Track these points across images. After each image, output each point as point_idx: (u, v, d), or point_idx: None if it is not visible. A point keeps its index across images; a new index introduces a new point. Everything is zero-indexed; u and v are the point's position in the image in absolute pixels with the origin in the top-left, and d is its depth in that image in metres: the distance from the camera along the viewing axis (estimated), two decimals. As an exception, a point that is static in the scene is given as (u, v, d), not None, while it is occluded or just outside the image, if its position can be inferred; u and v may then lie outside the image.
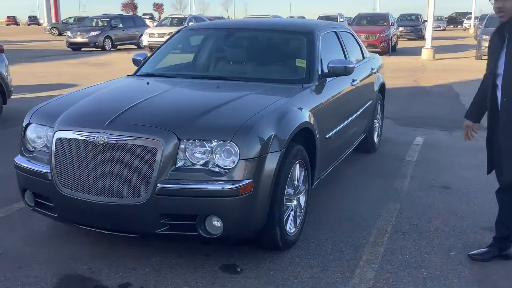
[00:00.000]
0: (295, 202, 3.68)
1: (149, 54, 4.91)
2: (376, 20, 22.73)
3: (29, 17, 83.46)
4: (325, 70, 4.31)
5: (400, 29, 32.49)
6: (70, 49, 25.22)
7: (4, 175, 5.08)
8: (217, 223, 3.12)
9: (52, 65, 18.02)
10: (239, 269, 3.34)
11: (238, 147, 3.06)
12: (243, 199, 3.08)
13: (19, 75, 13.50)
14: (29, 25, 79.41)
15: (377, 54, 6.92)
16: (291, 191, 3.58)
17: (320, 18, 35.81)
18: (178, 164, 3.09)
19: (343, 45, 5.16)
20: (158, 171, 3.04)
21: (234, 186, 3.04)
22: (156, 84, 4.09)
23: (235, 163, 3.07)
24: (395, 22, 25.95)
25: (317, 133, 3.88)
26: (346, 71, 4.26)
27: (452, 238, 3.87)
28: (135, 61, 4.93)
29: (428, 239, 3.86)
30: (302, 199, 3.82)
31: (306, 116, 3.72)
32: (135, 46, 26.61)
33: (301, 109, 3.70)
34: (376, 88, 5.95)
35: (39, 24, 74.67)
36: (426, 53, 19.54)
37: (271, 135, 3.23)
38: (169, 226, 3.13)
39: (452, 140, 7.11)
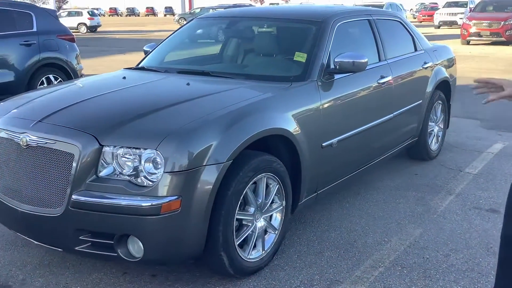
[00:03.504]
0: (261, 223, 3.12)
1: None
2: (503, 5, 20.35)
3: (165, 7, 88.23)
4: (332, 66, 3.65)
5: (540, 16, 29.16)
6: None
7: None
8: (137, 244, 2.68)
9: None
10: (176, 298, 2.88)
11: (163, 157, 2.60)
12: (167, 219, 2.61)
13: (115, 63, 14.01)
14: (165, 15, 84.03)
15: (447, 46, 5.93)
16: (251, 209, 3.03)
17: (448, 4, 33.34)
18: (101, 174, 2.69)
19: (377, 36, 4.39)
20: (74, 181, 2.67)
21: (154, 203, 2.58)
22: (130, 79, 3.70)
23: (160, 176, 2.61)
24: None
25: (303, 141, 3.27)
26: (354, 66, 3.57)
27: (464, 281, 3.06)
28: (145, 52, 4.62)
29: (431, 279, 3.08)
30: (277, 218, 3.25)
31: (281, 120, 3.13)
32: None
33: (275, 112, 3.12)
34: (430, 85, 5.05)
35: (174, 15, 78.57)
36: (559, 43, 17.13)
37: (211, 144, 2.70)
38: (90, 243, 2.75)
39: (542, 149, 5.94)
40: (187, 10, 57.94)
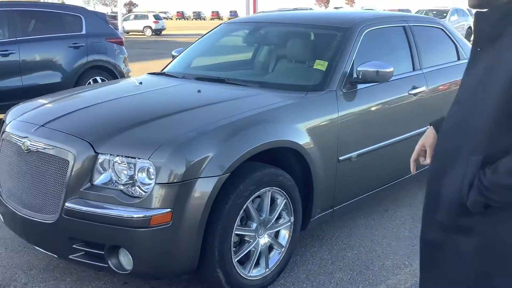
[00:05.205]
0: (265, 239, 2.96)
1: None
2: None
3: (230, 11, 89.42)
4: (355, 75, 3.45)
5: None
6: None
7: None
8: (128, 257, 2.60)
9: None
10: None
11: (155, 168, 2.50)
12: (157, 231, 2.51)
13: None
14: (229, 19, 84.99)
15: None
16: (254, 225, 2.88)
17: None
18: (95, 182, 2.63)
19: (412, 44, 4.13)
20: (68, 188, 2.62)
21: (143, 215, 2.49)
22: (145, 85, 3.64)
23: (151, 188, 2.51)
24: None
25: (316, 154, 3.09)
26: (378, 76, 3.35)
27: (485, 316, 2.77)
28: (173, 57, 4.57)
29: (448, 311, 2.81)
30: (285, 234, 3.08)
31: (289, 132, 2.97)
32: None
33: (283, 123, 2.96)
34: (473, 97, 4.70)
35: (238, 18, 79.43)
36: None
37: (207, 155, 2.58)
38: (84, 252, 2.70)
39: None
40: (251, 13, 58.50)
